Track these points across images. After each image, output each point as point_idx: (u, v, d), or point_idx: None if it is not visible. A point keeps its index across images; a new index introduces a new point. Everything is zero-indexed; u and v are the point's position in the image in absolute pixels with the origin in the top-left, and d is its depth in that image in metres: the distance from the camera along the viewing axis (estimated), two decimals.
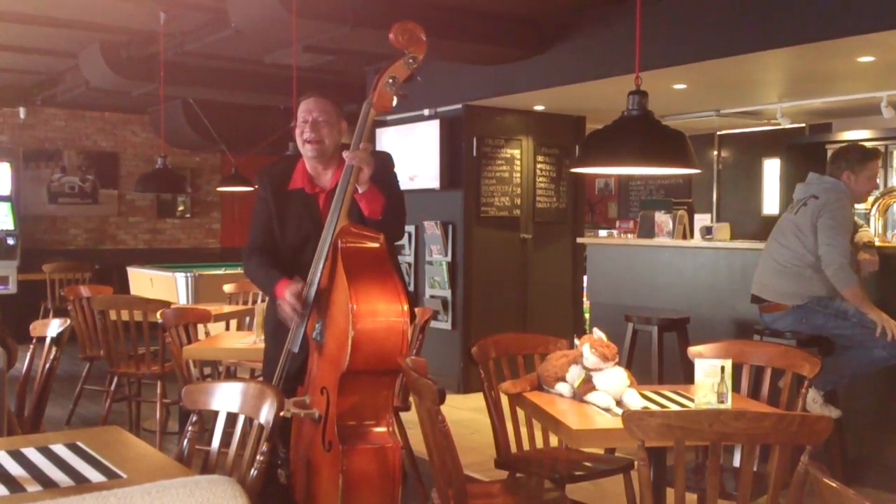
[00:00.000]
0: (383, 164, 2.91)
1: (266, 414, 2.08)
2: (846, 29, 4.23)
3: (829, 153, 6.84)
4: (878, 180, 4.31)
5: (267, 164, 3.31)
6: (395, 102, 2.75)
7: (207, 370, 4.76)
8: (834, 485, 1.40)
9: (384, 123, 7.32)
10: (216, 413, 2.25)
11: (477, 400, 5.46)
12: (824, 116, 7.44)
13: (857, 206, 4.27)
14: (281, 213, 3.02)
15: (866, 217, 5.02)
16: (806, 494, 2.07)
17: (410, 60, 2.72)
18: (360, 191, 2.76)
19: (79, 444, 2.15)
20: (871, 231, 4.65)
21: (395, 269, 2.77)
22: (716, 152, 8.61)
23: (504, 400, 3.07)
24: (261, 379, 3.38)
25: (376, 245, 2.74)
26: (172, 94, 7.80)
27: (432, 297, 6.80)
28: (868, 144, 6.43)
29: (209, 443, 2.25)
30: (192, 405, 2.30)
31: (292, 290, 2.80)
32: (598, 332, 2.79)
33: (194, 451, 2.29)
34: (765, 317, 4.19)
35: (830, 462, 3.95)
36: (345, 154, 2.75)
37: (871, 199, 4.93)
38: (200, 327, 4.61)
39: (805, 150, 7.60)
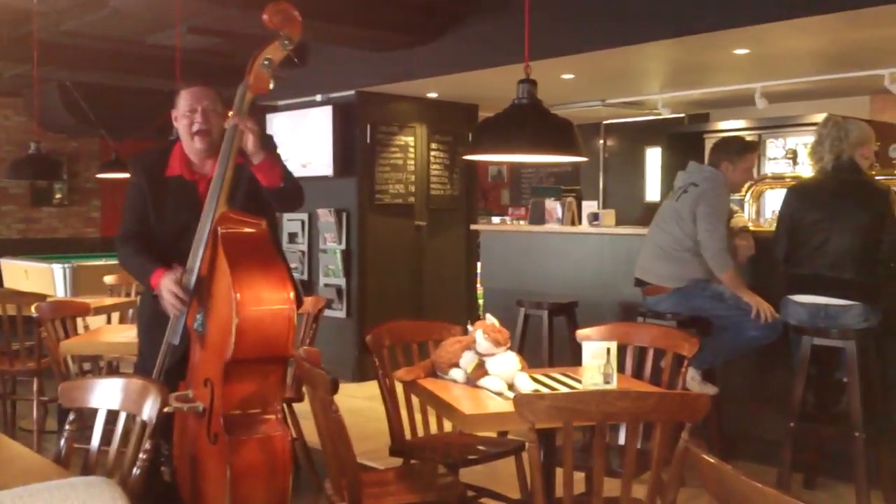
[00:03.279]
0: (269, 139, 2.87)
1: (149, 410, 2.01)
2: (723, 22, 4.43)
3: (708, 142, 7.14)
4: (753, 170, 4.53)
5: (141, 150, 3.20)
6: (271, 85, 2.71)
7: (88, 366, 4.57)
8: (712, 460, 1.47)
9: (275, 109, 7.16)
10: (96, 411, 2.15)
11: (372, 388, 5.43)
12: (702, 107, 7.77)
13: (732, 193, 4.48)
14: (157, 200, 2.91)
15: (741, 203, 5.27)
16: (687, 469, 2.16)
17: (286, 42, 2.68)
18: (254, 162, 2.70)
19: None
20: (745, 216, 4.89)
21: (279, 255, 2.73)
22: (602, 141, 8.84)
23: (399, 387, 3.08)
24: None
25: (257, 230, 2.70)
26: (48, 76, 7.37)
27: (326, 285, 6.72)
28: (742, 134, 6.76)
29: (90, 442, 2.15)
30: (69, 403, 2.20)
31: (171, 277, 2.71)
32: (490, 318, 2.83)
33: (73, 451, 2.18)
34: (647, 299, 4.33)
35: (708, 437, 4.13)
36: (226, 124, 2.70)
37: (745, 185, 5.17)
38: (79, 321, 4.42)
39: (684, 140, 7.90)
